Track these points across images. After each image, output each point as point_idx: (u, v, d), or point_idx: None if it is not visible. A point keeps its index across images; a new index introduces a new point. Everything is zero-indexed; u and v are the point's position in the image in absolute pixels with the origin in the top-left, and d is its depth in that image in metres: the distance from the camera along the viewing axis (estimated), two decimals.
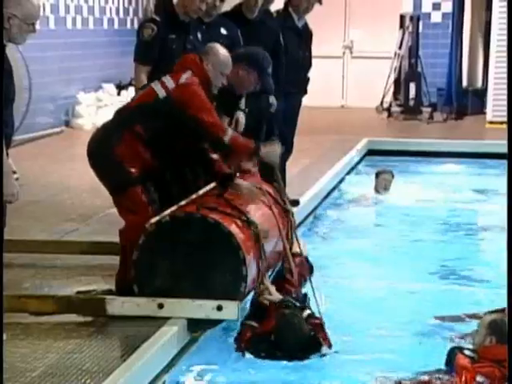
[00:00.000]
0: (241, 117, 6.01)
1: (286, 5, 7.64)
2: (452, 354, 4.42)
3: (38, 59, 10.20)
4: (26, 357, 4.19)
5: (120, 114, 5.17)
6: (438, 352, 4.66)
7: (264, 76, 5.68)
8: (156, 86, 5.08)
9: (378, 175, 9.16)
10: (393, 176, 9.16)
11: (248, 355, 4.69)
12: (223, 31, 6.35)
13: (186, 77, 5.05)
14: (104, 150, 5.04)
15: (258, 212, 5.23)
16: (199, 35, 6.02)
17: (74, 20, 12.53)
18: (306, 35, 7.75)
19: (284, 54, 7.23)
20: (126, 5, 13.92)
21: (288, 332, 4.66)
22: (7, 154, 4.22)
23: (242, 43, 6.53)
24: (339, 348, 4.82)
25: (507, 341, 3.93)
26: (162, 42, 5.65)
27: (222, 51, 5.25)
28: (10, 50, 4.33)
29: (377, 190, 9.07)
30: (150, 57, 5.81)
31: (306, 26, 7.76)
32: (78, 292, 5.10)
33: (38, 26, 4.33)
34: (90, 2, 12.95)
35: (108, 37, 13.32)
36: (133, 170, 4.99)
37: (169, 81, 5.07)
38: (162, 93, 5.03)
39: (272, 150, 5.24)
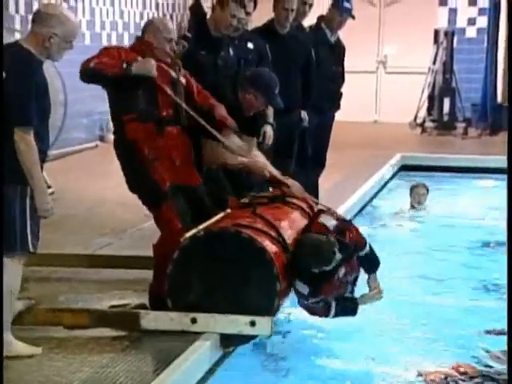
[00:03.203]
0: (268, 130, 6.01)
1: (319, 20, 7.66)
2: None
3: (73, 75, 10.26)
4: (61, 370, 4.21)
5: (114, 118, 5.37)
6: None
7: (272, 98, 5.68)
8: None
9: (412, 190, 9.13)
10: (427, 190, 9.12)
11: None
12: (250, 46, 6.37)
13: None
14: (129, 159, 5.12)
15: (291, 228, 5.23)
16: (231, 51, 6.04)
17: (109, 36, 12.65)
18: (338, 50, 7.76)
19: (317, 69, 7.24)
20: None
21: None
22: (42, 169, 4.26)
23: (270, 58, 6.55)
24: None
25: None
26: (192, 59, 5.67)
27: (158, 19, 5.41)
28: (46, 66, 4.37)
29: (412, 205, 9.04)
30: None
31: (338, 40, 7.77)
32: (112, 306, 5.12)
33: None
34: (125, 19, 13.08)
35: None
36: (163, 183, 5.02)
37: None
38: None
39: (143, 63, 5.09)
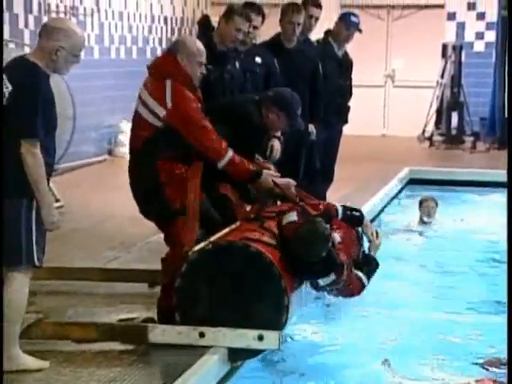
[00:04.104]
0: (276, 144, 6.01)
1: (327, 34, 7.69)
2: None
3: (82, 88, 10.34)
4: None
5: (135, 150, 5.11)
6: None
7: (293, 118, 5.69)
8: (149, 118, 4.96)
9: (421, 203, 9.12)
10: (436, 203, 9.11)
11: None
12: (258, 60, 6.38)
13: (168, 94, 4.92)
14: (145, 181, 5.06)
15: None
16: (237, 64, 6.05)
17: (117, 50, 12.70)
18: (346, 64, 7.78)
19: (324, 83, 7.26)
20: (169, 35, 14.08)
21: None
22: (48, 182, 4.27)
23: (278, 71, 6.55)
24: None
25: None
26: None
27: (192, 41, 5.15)
28: (55, 80, 4.39)
29: (421, 219, 9.02)
30: None
31: (346, 54, 7.80)
32: (120, 320, 5.12)
33: (82, 56, 4.40)
34: (133, 33, 13.12)
35: None
36: (175, 200, 5.00)
37: (156, 106, 4.94)
38: (158, 123, 4.95)
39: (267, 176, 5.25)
